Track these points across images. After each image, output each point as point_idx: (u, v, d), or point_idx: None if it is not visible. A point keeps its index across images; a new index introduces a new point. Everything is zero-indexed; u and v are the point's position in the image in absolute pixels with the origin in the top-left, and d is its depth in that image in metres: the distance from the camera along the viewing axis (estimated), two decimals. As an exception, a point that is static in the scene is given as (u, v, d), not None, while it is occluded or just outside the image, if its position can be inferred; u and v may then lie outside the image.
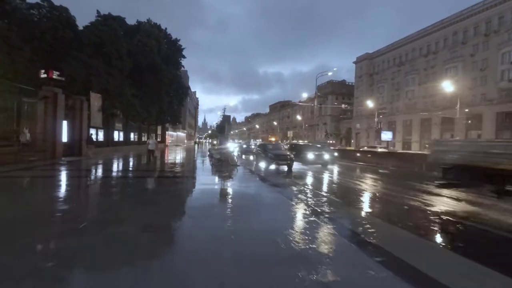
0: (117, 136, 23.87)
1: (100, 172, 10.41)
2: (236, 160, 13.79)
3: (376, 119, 50.49)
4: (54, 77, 12.67)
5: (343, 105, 62.00)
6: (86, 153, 15.36)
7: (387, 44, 63.58)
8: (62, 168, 10.56)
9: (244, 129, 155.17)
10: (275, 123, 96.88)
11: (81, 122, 15.35)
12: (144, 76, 26.83)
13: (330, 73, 31.82)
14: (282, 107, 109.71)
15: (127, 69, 22.57)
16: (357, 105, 69.65)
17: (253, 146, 27.65)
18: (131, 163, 14.31)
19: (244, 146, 27.81)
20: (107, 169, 11.33)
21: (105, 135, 20.54)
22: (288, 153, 14.78)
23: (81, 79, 16.49)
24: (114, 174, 10.15)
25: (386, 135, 53.02)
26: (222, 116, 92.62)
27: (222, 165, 13.08)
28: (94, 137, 19.08)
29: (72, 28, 16.85)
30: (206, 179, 9.40)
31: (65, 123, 14.22)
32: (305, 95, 45.17)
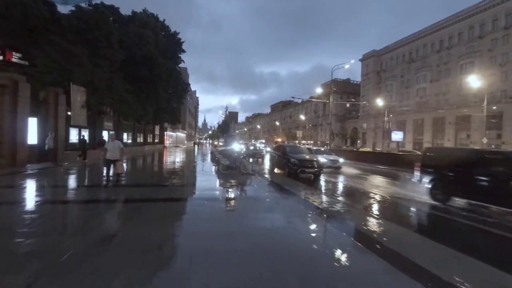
0: (107, 137, 20.84)
1: (58, 192, 6.98)
2: (251, 167, 10.93)
3: (386, 118, 47.57)
4: (13, 60, 9.66)
5: (347, 104, 59.07)
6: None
7: (395, 40, 60.98)
8: (10, 183, 7.46)
9: (245, 129, 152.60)
10: (277, 123, 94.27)
11: (57, 119, 12.24)
12: (139, 69, 23.96)
13: (347, 66, 29.02)
14: (284, 107, 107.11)
15: (119, 61, 19.64)
16: (363, 103, 66.87)
17: (268, 148, 24.70)
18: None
19: (251, 147, 24.84)
20: (74, 186, 7.95)
21: (90, 136, 17.57)
22: (313, 157, 11.92)
23: (58, 68, 13.58)
24: (78, 196, 6.65)
25: (397, 135, 50.29)
26: (225, 114, 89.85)
27: (232, 173, 10.33)
28: (77, 138, 16.25)
29: (49, 7, 13.93)
30: (216, 207, 5.80)
31: (33, 121, 11.30)
32: (319, 90, 42.29)
